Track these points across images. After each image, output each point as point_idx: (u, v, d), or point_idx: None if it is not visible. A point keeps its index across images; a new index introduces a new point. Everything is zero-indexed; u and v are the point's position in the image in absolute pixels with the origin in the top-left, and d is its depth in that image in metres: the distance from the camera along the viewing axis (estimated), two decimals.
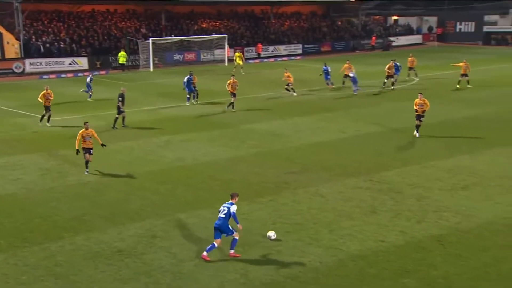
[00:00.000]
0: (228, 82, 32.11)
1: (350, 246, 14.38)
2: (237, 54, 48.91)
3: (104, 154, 22.29)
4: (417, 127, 25.38)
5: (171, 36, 57.14)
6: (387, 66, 38.32)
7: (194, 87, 34.02)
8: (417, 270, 13.11)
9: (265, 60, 59.23)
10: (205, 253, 13.78)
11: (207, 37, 58.03)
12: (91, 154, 20.42)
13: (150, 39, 52.86)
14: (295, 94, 36.34)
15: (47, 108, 28.35)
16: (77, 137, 20.32)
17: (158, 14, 62.06)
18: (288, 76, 36.18)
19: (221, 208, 13.76)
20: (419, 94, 25.80)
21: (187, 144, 24.66)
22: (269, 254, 13.94)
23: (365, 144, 24.25)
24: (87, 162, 20.43)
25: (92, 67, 51.17)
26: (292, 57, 62.63)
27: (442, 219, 16.07)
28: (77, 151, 20.29)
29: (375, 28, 79.40)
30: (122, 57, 51.70)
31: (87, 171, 20.44)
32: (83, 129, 20.34)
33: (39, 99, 28.38)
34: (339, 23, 78.46)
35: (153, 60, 52.71)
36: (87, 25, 56.61)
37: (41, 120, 28.64)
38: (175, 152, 23.31)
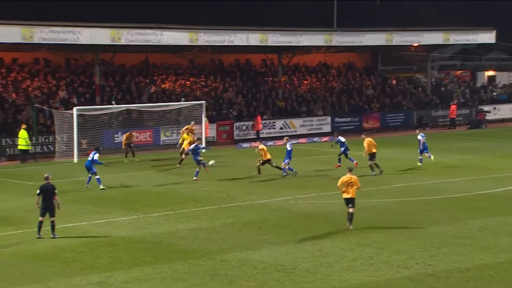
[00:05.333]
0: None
1: None
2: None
3: None
4: None
5: (112, 103, 57.16)
6: None
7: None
8: None
9: (269, 143, 58.02)
10: None
11: (172, 104, 58.23)
12: None
13: (75, 108, 52.77)
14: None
15: None
16: None
17: (89, 67, 62.08)
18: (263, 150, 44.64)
19: None
20: None
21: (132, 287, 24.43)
22: None
23: None
24: None
25: None
26: (315, 139, 62.11)
27: None
28: None
29: (455, 90, 79.82)
30: (22, 139, 51.45)
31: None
32: None
33: None
34: (393, 81, 78.83)
35: (80, 144, 52.42)
36: None
37: None
38: None
